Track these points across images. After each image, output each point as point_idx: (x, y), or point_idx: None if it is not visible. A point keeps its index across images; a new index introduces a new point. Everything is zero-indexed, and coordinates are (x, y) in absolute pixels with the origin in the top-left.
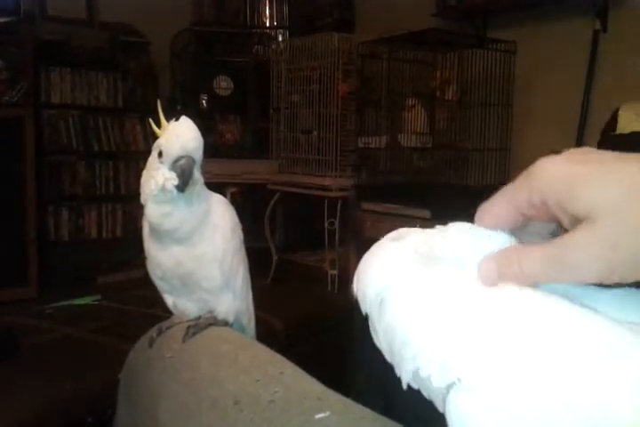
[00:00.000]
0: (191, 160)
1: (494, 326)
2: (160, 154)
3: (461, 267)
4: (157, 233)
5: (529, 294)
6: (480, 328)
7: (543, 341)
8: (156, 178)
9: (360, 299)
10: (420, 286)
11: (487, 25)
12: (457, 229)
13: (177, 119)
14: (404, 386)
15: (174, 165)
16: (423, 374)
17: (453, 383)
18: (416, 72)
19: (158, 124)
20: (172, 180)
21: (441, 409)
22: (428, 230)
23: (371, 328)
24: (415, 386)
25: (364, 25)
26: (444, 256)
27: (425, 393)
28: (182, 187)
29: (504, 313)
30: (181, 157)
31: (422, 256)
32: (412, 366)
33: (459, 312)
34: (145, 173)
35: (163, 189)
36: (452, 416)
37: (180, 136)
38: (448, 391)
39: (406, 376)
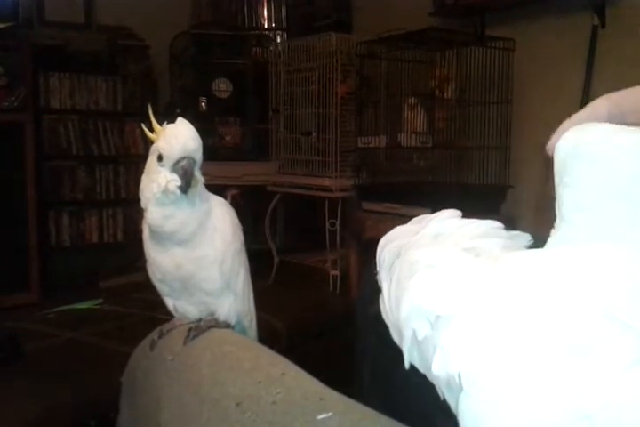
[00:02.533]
0: (192, 161)
1: (512, 326)
2: (160, 157)
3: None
4: (158, 236)
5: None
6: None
7: (558, 345)
8: (159, 181)
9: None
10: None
11: (485, 23)
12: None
13: (169, 122)
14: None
15: (175, 167)
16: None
17: (453, 377)
18: (415, 71)
19: (151, 129)
20: (175, 181)
21: (441, 395)
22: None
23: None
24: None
25: (362, 25)
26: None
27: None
28: (185, 187)
29: (522, 313)
30: (182, 159)
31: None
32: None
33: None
34: (144, 178)
35: (165, 190)
36: (463, 417)
37: (179, 138)
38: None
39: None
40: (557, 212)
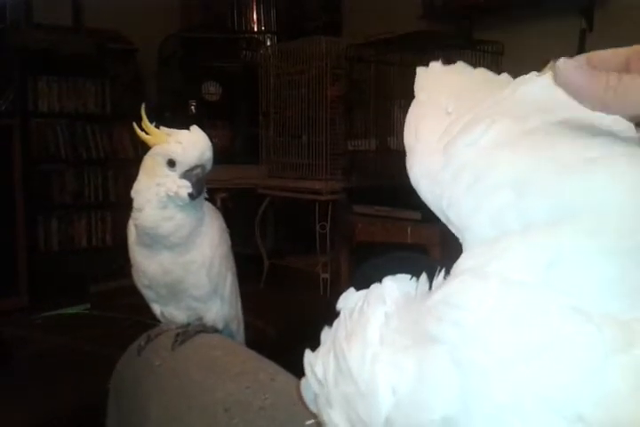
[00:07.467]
0: (205, 169)
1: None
2: (170, 162)
3: None
4: (148, 239)
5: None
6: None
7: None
8: (168, 185)
9: None
10: None
11: (473, 26)
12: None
13: (159, 126)
14: None
15: (188, 174)
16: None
17: None
18: (404, 74)
19: (142, 130)
20: (186, 188)
21: None
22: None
23: None
24: None
25: (352, 28)
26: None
27: None
28: (196, 195)
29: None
30: (197, 167)
31: None
32: None
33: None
34: (144, 179)
35: (176, 196)
36: None
37: (197, 146)
38: None
39: None
40: (457, 234)
